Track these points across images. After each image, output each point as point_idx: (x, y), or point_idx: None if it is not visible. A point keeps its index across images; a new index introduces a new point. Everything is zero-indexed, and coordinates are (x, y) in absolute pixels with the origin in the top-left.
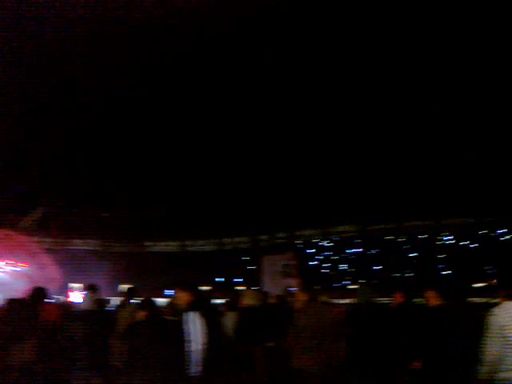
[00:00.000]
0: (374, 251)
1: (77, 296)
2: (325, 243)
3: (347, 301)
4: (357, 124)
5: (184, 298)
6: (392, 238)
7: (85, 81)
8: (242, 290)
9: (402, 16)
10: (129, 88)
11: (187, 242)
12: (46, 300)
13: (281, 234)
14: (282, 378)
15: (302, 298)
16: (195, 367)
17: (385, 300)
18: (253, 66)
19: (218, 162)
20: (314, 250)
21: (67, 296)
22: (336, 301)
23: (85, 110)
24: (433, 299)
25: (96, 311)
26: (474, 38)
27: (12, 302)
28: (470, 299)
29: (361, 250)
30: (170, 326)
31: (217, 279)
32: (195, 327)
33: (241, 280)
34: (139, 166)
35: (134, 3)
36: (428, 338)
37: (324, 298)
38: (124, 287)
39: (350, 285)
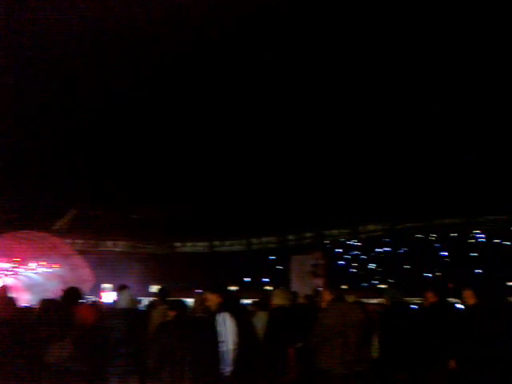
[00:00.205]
0: (403, 250)
1: (109, 296)
2: (353, 242)
3: (375, 301)
4: (382, 124)
5: (214, 299)
6: (422, 236)
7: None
8: (271, 290)
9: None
10: (143, 86)
11: (215, 243)
12: (80, 300)
13: (308, 234)
14: (310, 378)
15: (327, 297)
16: (227, 367)
17: (416, 300)
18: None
19: (244, 164)
20: (342, 250)
21: (99, 296)
22: (365, 301)
23: (103, 111)
24: (469, 299)
25: (132, 310)
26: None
27: (47, 302)
28: (505, 298)
29: (390, 248)
30: (201, 323)
31: (245, 279)
32: (227, 328)
33: (269, 280)
34: (166, 168)
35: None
36: (464, 338)
37: (352, 298)
38: (155, 288)
39: (378, 284)
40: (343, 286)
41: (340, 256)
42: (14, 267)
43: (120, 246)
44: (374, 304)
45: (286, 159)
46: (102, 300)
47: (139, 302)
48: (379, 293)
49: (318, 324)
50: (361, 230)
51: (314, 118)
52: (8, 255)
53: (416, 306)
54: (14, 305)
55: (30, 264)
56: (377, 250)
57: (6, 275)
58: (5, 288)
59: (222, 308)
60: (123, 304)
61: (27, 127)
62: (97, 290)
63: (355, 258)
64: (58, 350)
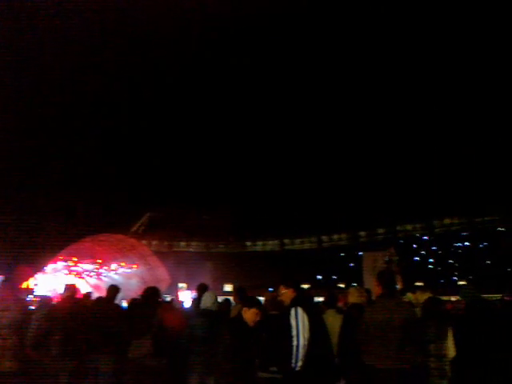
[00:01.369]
0: (483, 244)
1: (185, 295)
2: (428, 237)
3: (454, 298)
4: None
5: (288, 294)
6: (504, 229)
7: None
8: (342, 288)
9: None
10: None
11: (286, 241)
12: (159, 299)
13: (381, 230)
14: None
15: (376, 292)
16: (298, 361)
17: (499, 296)
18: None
19: (315, 162)
20: (416, 245)
21: (176, 295)
22: (445, 298)
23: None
24: None
25: (215, 311)
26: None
27: (133, 302)
28: None
29: (469, 243)
30: (274, 320)
31: (317, 277)
32: (299, 322)
33: (340, 277)
34: (236, 168)
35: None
36: None
37: (426, 295)
38: (228, 286)
39: (458, 281)
40: (418, 283)
41: (415, 252)
42: (96, 268)
43: (193, 246)
44: (453, 302)
45: (357, 155)
46: (179, 299)
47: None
48: (458, 290)
49: (363, 319)
50: (436, 224)
51: (373, 118)
52: (91, 257)
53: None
54: (118, 310)
55: (111, 265)
56: (455, 244)
57: (90, 276)
58: (116, 290)
59: (295, 302)
60: (208, 304)
61: (96, 138)
62: (173, 289)
63: (432, 254)
64: (139, 347)
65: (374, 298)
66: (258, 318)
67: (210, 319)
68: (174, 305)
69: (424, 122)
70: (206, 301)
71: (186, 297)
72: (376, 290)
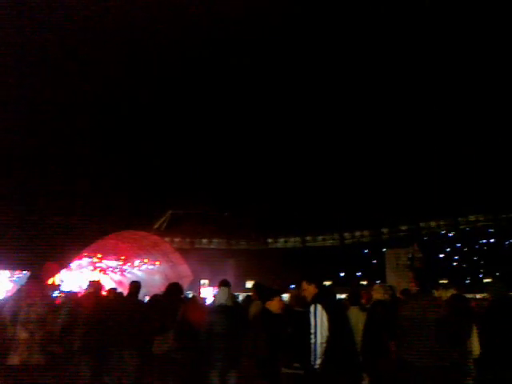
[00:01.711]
0: (509, 241)
1: (207, 292)
2: (454, 234)
3: (480, 296)
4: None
5: (310, 290)
6: None
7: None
8: (364, 285)
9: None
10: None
11: (307, 238)
12: (181, 295)
13: (404, 227)
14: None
15: (412, 289)
16: (317, 359)
17: None
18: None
19: (337, 160)
20: (441, 242)
21: (198, 292)
22: (470, 296)
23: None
24: None
25: (230, 306)
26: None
27: (154, 298)
28: None
29: (494, 240)
30: (298, 316)
31: (339, 274)
32: (317, 320)
33: (363, 274)
34: (258, 165)
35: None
36: None
37: (450, 292)
38: (250, 283)
39: (483, 278)
40: (443, 281)
41: (439, 249)
42: (120, 265)
43: (215, 243)
44: (478, 299)
45: (381, 152)
46: (201, 295)
47: (236, 297)
48: (483, 287)
49: (398, 315)
50: (461, 220)
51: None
52: (115, 254)
53: None
54: (140, 306)
55: (134, 261)
56: (480, 241)
57: (114, 272)
58: (138, 286)
59: (316, 299)
60: (222, 300)
61: (120, 138)
62: (195, 286)
63: (456, 251)
64: (162, 342)
65: (398, 295)
66: (282, 305)
67: (227, 315)
68: (196, 301)
69: (449, 117)
70: (220, 296)
71: (208, 293)
72: (412, 286)
